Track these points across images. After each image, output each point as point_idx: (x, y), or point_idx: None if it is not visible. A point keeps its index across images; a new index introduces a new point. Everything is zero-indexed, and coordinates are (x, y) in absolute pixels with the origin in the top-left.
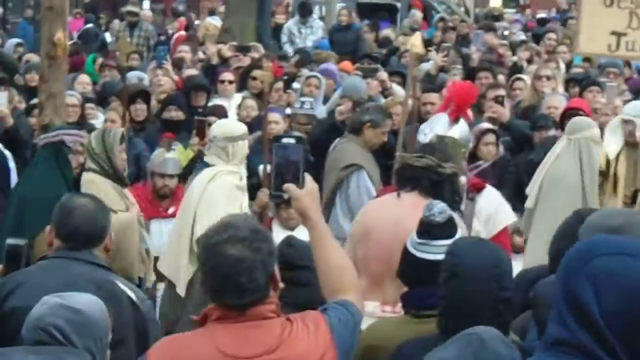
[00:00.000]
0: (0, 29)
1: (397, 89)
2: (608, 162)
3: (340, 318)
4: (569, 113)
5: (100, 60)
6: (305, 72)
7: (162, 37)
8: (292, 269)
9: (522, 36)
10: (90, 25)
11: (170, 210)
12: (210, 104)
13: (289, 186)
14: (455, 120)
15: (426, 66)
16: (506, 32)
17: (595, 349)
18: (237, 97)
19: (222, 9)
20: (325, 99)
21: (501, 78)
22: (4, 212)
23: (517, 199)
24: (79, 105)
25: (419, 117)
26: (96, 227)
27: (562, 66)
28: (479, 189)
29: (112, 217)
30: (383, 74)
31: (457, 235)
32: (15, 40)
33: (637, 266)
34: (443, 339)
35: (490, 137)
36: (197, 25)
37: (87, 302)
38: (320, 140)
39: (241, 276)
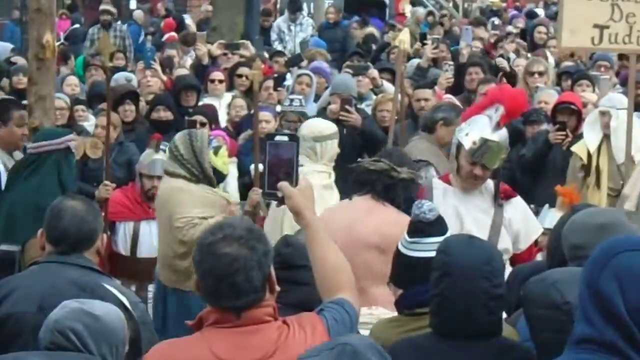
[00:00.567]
0: None
1: (388, 86)
2: (589, 156)
3: (336, 318)
4: (561, 107)
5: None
6: (296, 70)
7: (150, 37)
8: (291, 268)
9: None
10: (77, 25)
11: None
12: (200, 103)
13: (283, 184)
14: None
15: (416, 61)
16: (497, 22)
17: (622, 346)
18: (227, 97)
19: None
20: (317, 97)
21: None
22: None
23: None
24: (68, 107)
25: (411, 113)
26: (85, 230)
27: (552, 60)
28: (508, 196)
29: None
30: (374, 72)
31: (448, 233)
32: (10, 45)
33: None
34: (435, 338)
35: None
36: (188, 25)
37: (107, 310)
38: None
39: (237, 276)
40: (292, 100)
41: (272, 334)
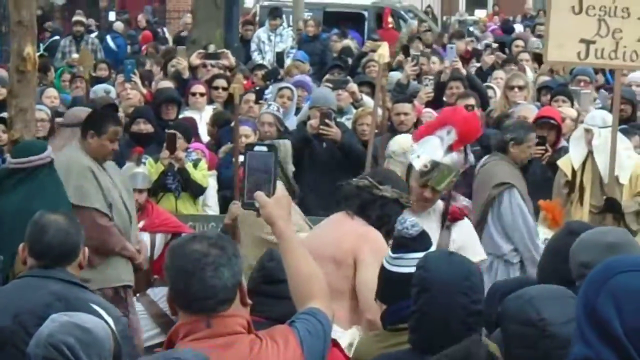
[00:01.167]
0: None
1: (368, 100)
2: (574, 172)
3: (309, 330)
4: (540, 121)
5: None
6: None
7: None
8: (274, 282)
9: (488, 39)
10: (56, 37)
11: (140, 225)
12: (181, 116)
13: (258, 194)
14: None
15: (396, 74)
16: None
17: None
18: (209, 110)
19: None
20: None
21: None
22: None
23: None
24: (49, 119)
25: (391, 127)
26: (69, 244)
27: (530, 74)
28: (455, 218)
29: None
30: (353, 86)
31: (433, 247)
32: None
33: None
34: (414, 353)
35: None
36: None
37: (95, 322)
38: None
39: (207, 271)
40: (269, 105)
41: (244, 348)
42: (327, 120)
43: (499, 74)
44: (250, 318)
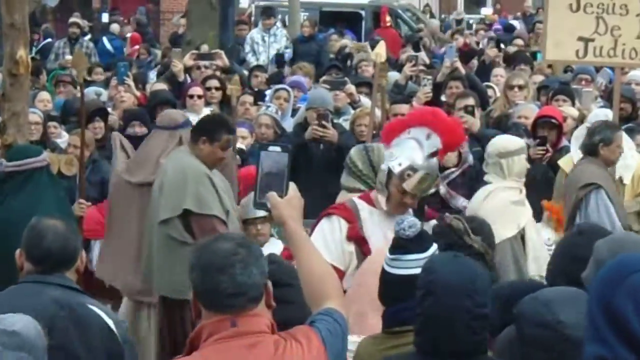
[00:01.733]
0: None
1: (366, 101)
2: None
3: (329, 329)
4: (541, 121)
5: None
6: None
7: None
8: (274, 286)
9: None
10: (49, 39)
11: None
12: None
13: (270, 194)
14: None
15: (394, 75)
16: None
17: None
18: (206, 111)
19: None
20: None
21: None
22: None
23: None
24: (42, 122)
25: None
26: (68, 249)
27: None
28: (429, 218)
29: None
30: (351, 87)
31: (434, 248)
32: None
33: None
34: (419, 356)
35: None
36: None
37: (23, 323)
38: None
39: (235, 268)
40: (267, 107)
41: (269, 348)
42: (323, 122)
43: (499, 71)
44: (273, 320)
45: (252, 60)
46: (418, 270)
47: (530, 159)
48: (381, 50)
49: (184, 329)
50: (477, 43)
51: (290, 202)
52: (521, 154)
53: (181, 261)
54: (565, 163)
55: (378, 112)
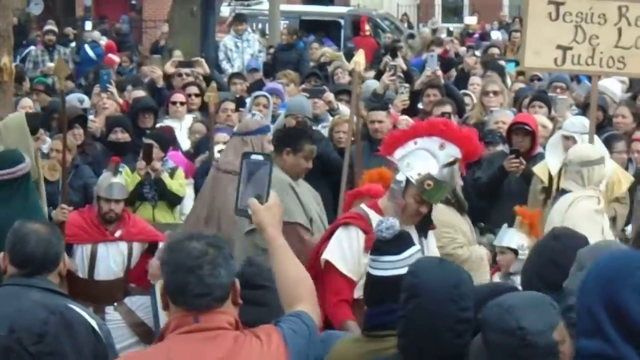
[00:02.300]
0: None
1: (344, 108)
2: (550, 178)
3: (294, 329)
4: (515, 127)
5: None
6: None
7: None
8: (250, 287)
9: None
10: (32, 47)
11: (117, 234)
12: (161, 124)
13: (252, 201)
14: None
15: (372, 83)
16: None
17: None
18: (189, 119)
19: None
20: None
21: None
22: None
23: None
24: None
25: (367, 135)
26: (51, 252)
27: (507, 81)
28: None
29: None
30: (330, 95)
31: (412, 250)
32: None
33: None
34: (401, 359)
35: None
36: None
37: None
38: None
39: (203, 269)
40: (253, 115)
41: (228, 340)
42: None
43: (476, 80)
44: (238, 318)
45: (226, 67)
46: (395, 272)
47: (504, 171)
48: (360, 59)
49: None
50: (456, 54)
51: (270, 209)
52: (601, 164)
53: None
54: (539, 170)
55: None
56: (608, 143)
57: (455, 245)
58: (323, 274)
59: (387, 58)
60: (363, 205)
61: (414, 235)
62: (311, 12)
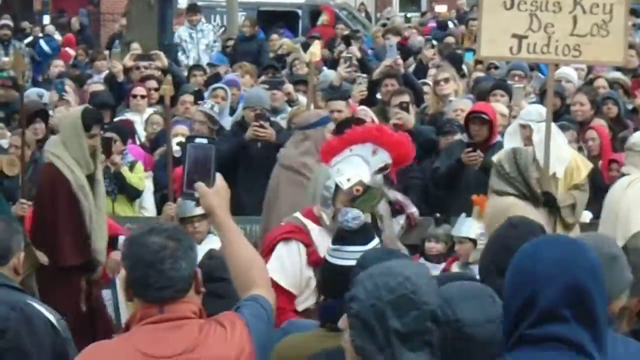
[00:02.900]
0: None
1: (303, 99)
2: None
3: (254, 315)
4: (473, 116)
5: None
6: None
7: None
8: (210, 280)
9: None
10: None
11: None
12: (121, 118)
13: (199, 184)
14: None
15: (329, 73)
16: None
17: (590, 347)
18: (149, 112)
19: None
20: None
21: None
22: None
23: (423, 204)
24: None
25: None
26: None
27: (464, 69)
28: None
29: None
30: (289, 87)
31: (376, 242)
32: None
33: None
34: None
35: None
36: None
37: None
38: (227, 158)
39: (165, 263)
40: (212, 106)
41: (193, 329)
42: (261, 122)
43: (433, 72)
44: (201, 306)
45: (182, 58)
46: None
47: (462, 164)
48: (316, 50)
49: None
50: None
51: (218, 192)
52: None
53: None
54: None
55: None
56: None
57: None
58: None
59: (341, 47)
60: (299, 215)
61: None
62: (269, 2)
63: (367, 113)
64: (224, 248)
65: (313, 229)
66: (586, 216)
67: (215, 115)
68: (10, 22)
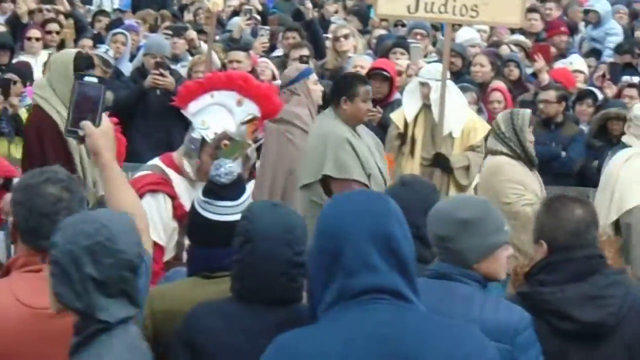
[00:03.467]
0: None
1: (206, 47)
2: (406, 124)
3: None
4: (373, 73)
5: None
6: None
7: None
8: None
9: None
10: None
11: None
12: (17, 60)
13: (85, 123)
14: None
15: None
16: None
17: (406, 292)
18: (44, 54)
19: None
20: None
21: None
22: None
23: None
24: None
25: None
26: None
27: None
28: None
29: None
30: (192, 33)
31: (246, 195)
32: None
33: None
34: (236, 302)
35: None
36: None
37: None
38: (126, 104)
39: (59, 215)
40: (107, 50)
41: None
42: (161, 70)
43: (332, 27)
44: None
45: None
46: (229, 218)
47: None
48: (218, 0)
49: None
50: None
51: (105, 133)
52: None
53: None
54: (396, 117)
55: (216, 59)
56: None
57: (524, 202)
58: None
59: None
60: (160, 163)
61: None
62: None
63: (267, 65)
64: (107, 190)
65: (175, 178)
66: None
67: (110, 59)
68: None
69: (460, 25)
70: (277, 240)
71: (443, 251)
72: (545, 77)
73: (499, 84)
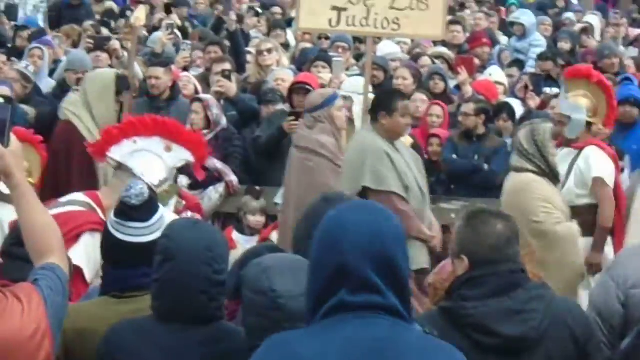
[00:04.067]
0: None
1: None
2: None
3: (51, 287)
4: (296, 87)
5: None
6: None
7: None
8: (24, 245)
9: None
10: None
11: None
12: None
13: None
14: None
15: (156, 36)
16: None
17: (401, 309)
18: None
19: None
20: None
21: None
22: None
23: (243, 173)
24: None
25: (146, 91)
26: None
27: (291, 39)
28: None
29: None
30: (115, 43)
31: (158, 215)
32: None
33: None
34: (155, 320)
35: (195, 106)
36: None
37: None
38: (46, 121)
39: None
40: (27, 65)
41: None
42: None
43: (255, 42)
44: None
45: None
46: (140, 239)
47: (283, 131)
48: (140, 14)
49: None
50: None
51: (15, 153)
52: None
53: None
54: None
55: (139, 72)
56: None
57: (553, 220)
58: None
59: (161, 15)
60: (89, 200)
61: None
62: None
63: (190, 79)
64: (19, 211)
65: (103, 217)
66: None
67: (30, 74)
68: None
69: (380, 39)
70: (197, 258)
71: None
72: (468, 90)
73: (419, 96)
